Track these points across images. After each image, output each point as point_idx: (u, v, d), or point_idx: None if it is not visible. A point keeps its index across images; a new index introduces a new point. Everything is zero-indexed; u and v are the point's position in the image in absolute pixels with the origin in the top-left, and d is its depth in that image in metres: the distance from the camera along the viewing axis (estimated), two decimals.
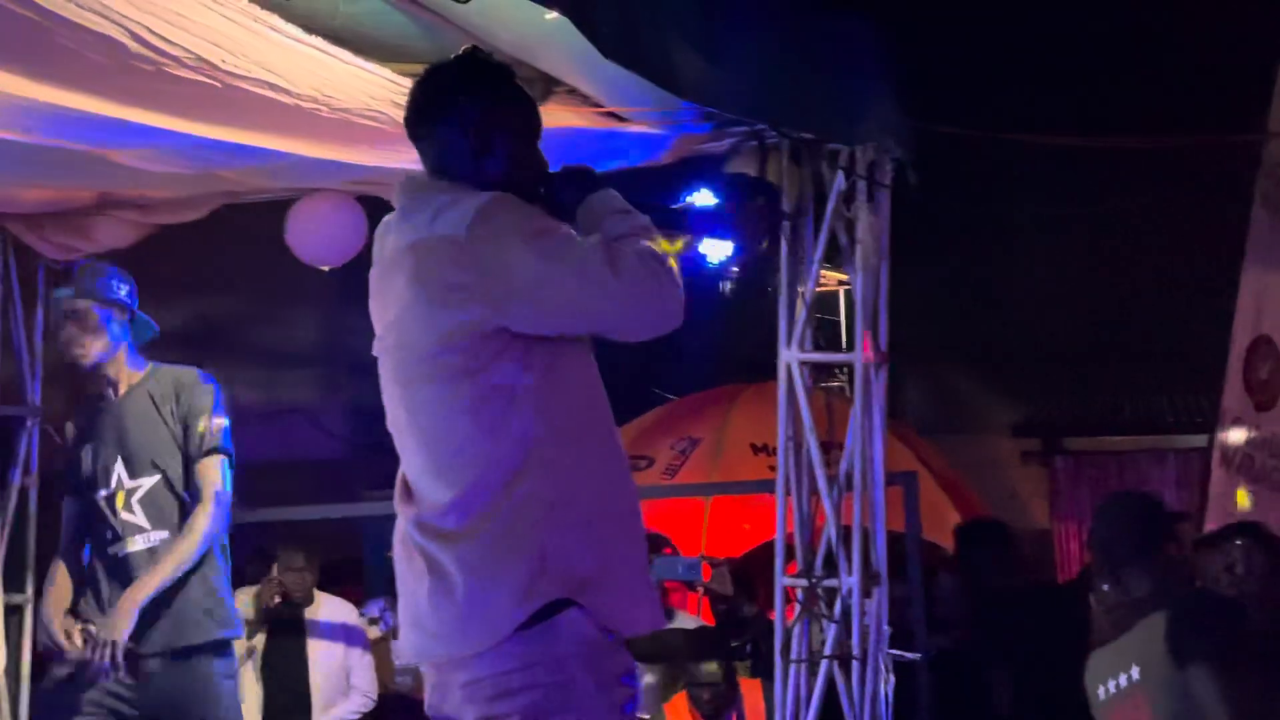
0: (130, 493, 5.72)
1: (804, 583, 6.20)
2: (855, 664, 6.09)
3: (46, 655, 5.89)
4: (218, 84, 4.48)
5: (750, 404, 10.13)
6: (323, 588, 10.36)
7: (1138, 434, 14.73)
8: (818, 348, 6.50)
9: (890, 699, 6.16)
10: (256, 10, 4.26)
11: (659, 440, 10.35)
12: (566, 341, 3.48)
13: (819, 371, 6.60)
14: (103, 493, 5.76)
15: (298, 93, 4.74)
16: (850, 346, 6.76)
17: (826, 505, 6.15)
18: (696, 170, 6.29)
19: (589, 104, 5.72)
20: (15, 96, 4.55)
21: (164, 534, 5.67)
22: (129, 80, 4.35)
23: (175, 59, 4.28)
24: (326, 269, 6.85)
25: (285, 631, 7.74)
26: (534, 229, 3.38)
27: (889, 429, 9.91)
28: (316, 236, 6.78)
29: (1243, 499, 8.70)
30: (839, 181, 6.11)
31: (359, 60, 4.84)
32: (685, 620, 7.83)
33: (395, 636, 8.03)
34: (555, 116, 5.68)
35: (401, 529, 3.57)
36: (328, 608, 8.01)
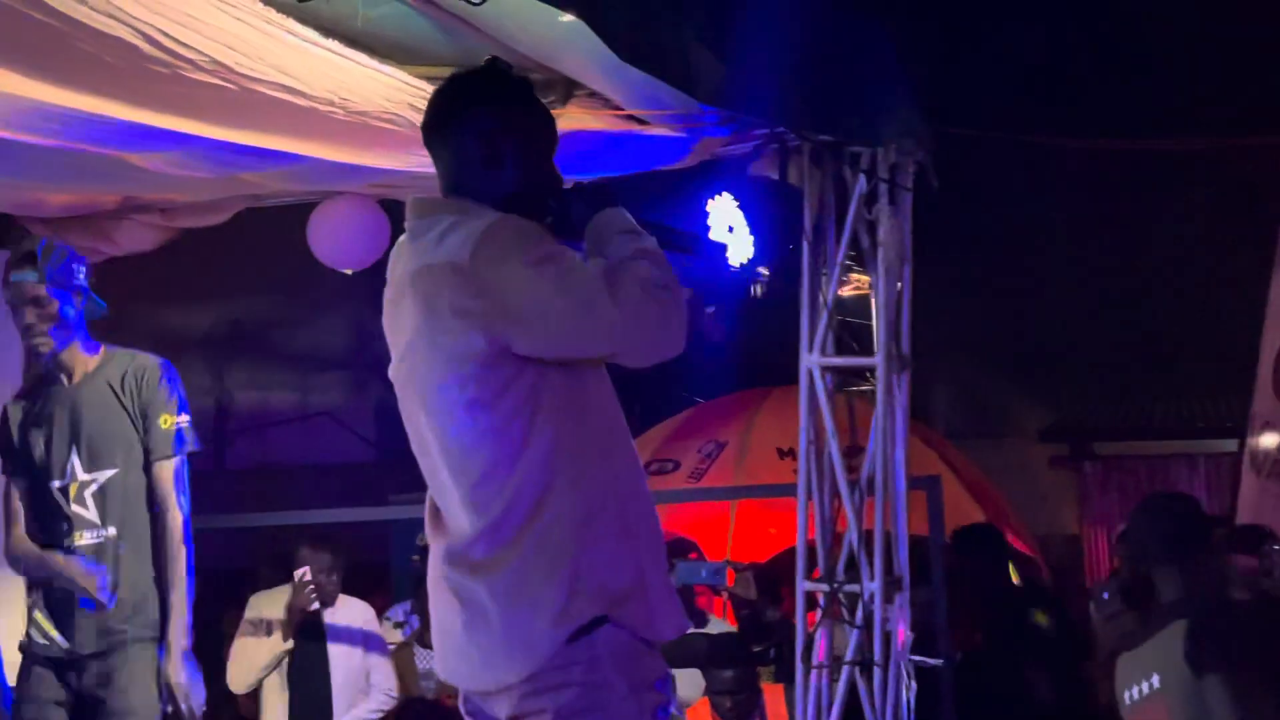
0: (84, 485, 5.60)
1: (825, 588, 6.18)
2: (877, 670, 6.07)
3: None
4: (234, 87, 4.47)
5: (776, 407, 10.09)
6: (350, 591, 10.40)
7: (1168, 438, 14.66)
8: (850, 351, 6.46)
9: (912, 705, 6.13)
10: (271, 13, 4.25)
11: (685, 444, 10.34)
12: (579, 363, 3.47)
13: (849, 376, 6.57)
14: (56, 483, 5.64)
15: (314, 95, 4.73)
16: None
17: (848, 510, 6.13)
18: (718, 173, 6.27)
19: (609, 107, 5.70)
20: (38, 101, 4.55)
21: (112, 530, 5.59)
22: (145, 84, 4.34)
23: (190, 62, 4.27)
24: (349, 272, 6.86)
25: (308, 634, 7.74)
26: (535, 256, 3.37)
27: (915, 433, 9.94)
28: (338, 240, 6.79)
29: None
30: (860, 184, 6.09)
31: (375, 63, 4.84)
32: (716, 625, 7.80)
33: (420, 641, 8.05)
34: (576, 120, 5.68)
35: (433, 562, 3.58)
36: (345, 608, 8.02)
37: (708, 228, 6.17)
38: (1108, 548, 13.73)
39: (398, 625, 8.77)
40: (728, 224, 6.19)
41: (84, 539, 5.59)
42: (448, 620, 3.54)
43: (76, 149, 5.47)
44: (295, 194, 6.89)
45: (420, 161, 5.66)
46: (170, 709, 5.61)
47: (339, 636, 7.86)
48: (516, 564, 3.40)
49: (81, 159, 5.63)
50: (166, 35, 4.11)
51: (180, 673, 5.61)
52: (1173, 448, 14.55)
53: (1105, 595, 5.83)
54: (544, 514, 3.39)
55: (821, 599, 6.23)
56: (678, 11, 4.96)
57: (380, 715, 7.95)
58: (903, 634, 6.13)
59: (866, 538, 6.14)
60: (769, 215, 6.25)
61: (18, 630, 5.89)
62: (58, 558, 5.62)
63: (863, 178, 6.08)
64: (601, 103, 5.69)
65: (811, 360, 6.25)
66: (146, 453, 5.65)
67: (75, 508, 5.60)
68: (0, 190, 6.54)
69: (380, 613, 9.15)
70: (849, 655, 6.12)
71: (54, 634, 5.66)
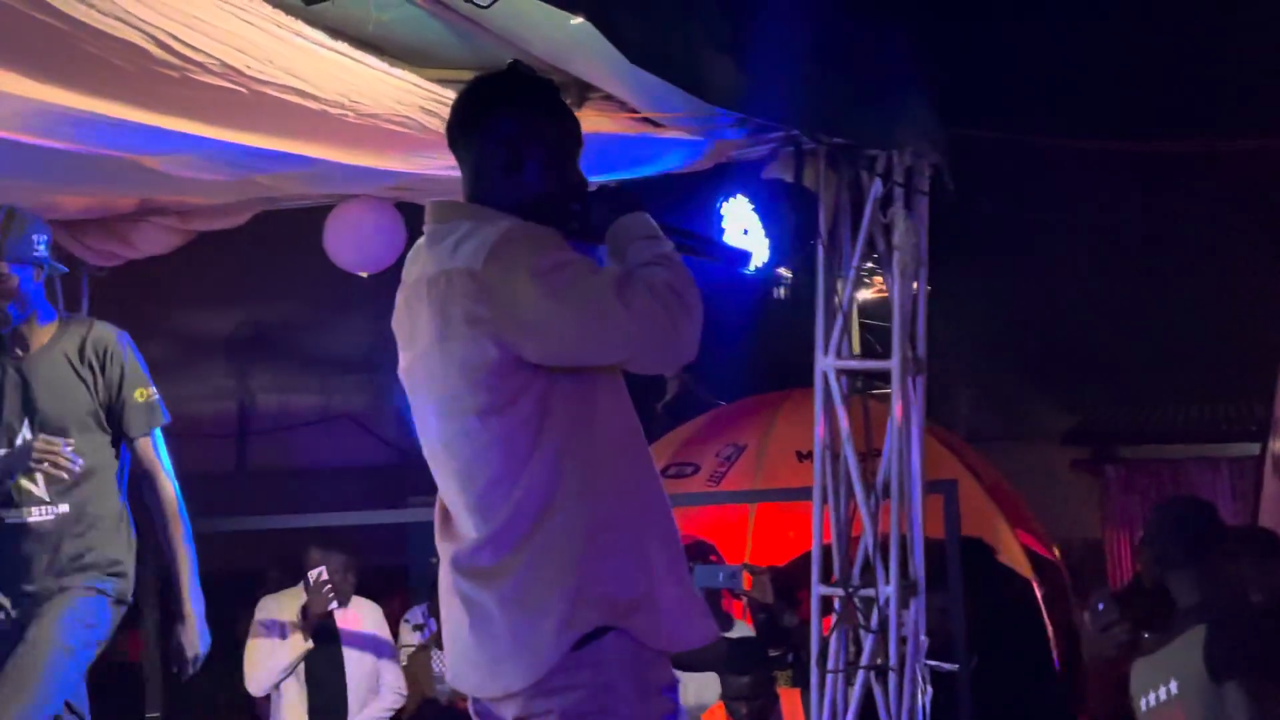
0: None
1: (840, 592, 6.17)
2: (892, 675, 6.05)
3: None
4: (244, 90, 4.48)
5: (796, 410, 10.04)
6: (370, 594, 10.41)
7: (1190, 442, 14.59)
8: (875, 354, 6.45)
9: (928, 710, 6.12)
10: (280, 16, 4.25)
11: (704, 447, 10.28)
12: (590, 370, 3.46)
13: (871, 379, 6.55)
14: (3, 454, 5.43)
15: (325, 98, 4.73)
16: None
17: (864, 514, 6.11)
18: (732, 176, 6.27)
19: (624, 110, 5.70)
20: (50, 104, 4.56)
21: (64, 508, 5.39)
22: (155, 86, 4.35)
23: (200, 65, 4.27)
24: (365, 275, 6.86)
25: (322, 635, 7.76)
26: (547, 264, 3.35)
27: (935, 436, 9.92)
28: (354, 242, 6.80)
29: None
30: (876, 187, 6.07)
31: (385, 65, 4.83)
32: (739, 629, 7.79)
33: (437, 643, 8.05)
34: (591, 122, 5.65)
35: (443, 568, 3.57)
36: (356, 609, 8.05)
37: (722, 230, 6.16)
38: (1129, 551, 13.68)
39: (416, 627, 8.79)
40: (742, 227, 6.18)
41: (32, 515, 5.40)
42: (456, 626, 3.54)
43: (92, 152, 5.50)
44: (311, 197, 6.91)
45: (434, 164, 5.69)
46: (176, 669, 5.59)
47: (351, 637, 7.89)
48: (522, 572, 3.39)
49: (98, 162, 5.65)
50: (175, 38, 4.12)
51: (197, 642, 5.58)
52: (1195, 451, 14.47)
53: (1100, 606, 5.81)
54: (550, 522, 3.38)
55: (837, 603, 6.21)
56: (688, 14, 4.94)
57: (391, 715, 7.99)
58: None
59: (882, 542, 6.12)
60: (784, 218, 6.24)
61: None
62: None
63: (878, 181, 6.07)
64: (617, 105, 5.69)
65: (827, 363, 6.24)
66: (124, 428, 5.51)
67: (24, 483, 5.39)
68: (17, 193, 6.55)
69: (399, 615, 9.18)
70: (864, 660, 6.10)
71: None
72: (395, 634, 8.96)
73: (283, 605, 7.76)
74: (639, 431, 3.57)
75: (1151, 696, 5.25)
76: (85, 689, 5.62)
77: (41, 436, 5.39)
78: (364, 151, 5.51)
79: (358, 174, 6.09)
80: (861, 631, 6.15)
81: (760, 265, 6.20)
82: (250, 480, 14.10)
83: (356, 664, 7.84)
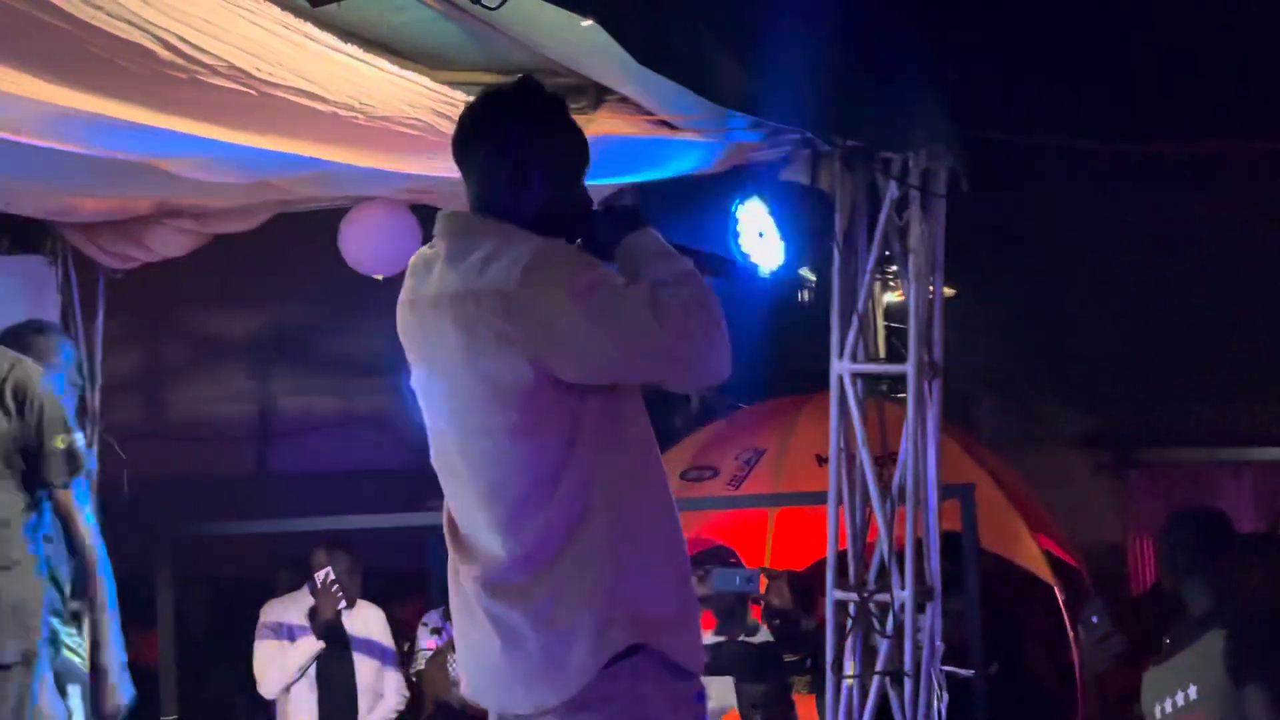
0: None
1: (855, 597, 6.14)
2: (907, 680, 6.02)
3: None
4: (253, 92, 4.47)
5: (816, 414, 10.01)
6: (388, 597, 10.43)
7: (1213, 446, 14.51)
8: (898, 358, 6.40)
9: (944, 716, 6.09)
10: (289, 18, 4.25)
11: (724, 450, 10.26)
12: (617, 389, 3.44)
13: (896, 383, 6.52)
14: None
15: (335, 101, 4.73)
16: None
17: (879, 518, 6.09)
18: (748, 179, 6.25)
19: (640, 112, 5.69)
20: (59, 106, 4.56)
21: None
22: (163, 88, 4.34)
23: (208, 67, 4.27)
24: (380, 277, 6.85)
25: (331, 636, 7.79)
26: (583, 284, 3.31)
27: (955, 440, 9.89)
28: (369, 245, 6.81)
29: None
30: (891, 190, 6.05)
31: (396, 68, 4.83)
32: (765, 635, 7.78)
33: (452, 648, 8.06)
34: (606, 124, 5.66)
35: (462, 585, 3.53)
36: (361, 612, 8.07)
37: (737, 234, 6.14)
38: (1152, 556, 13.61)
39: (434, 631, 8.81)
40: (758, 229, 6.15)
41: None
42: (483, 645, 3.49)
43: (105, 155, 5.51)
44: (326, 199, 6.91)
45: (447, 167, 5.66)
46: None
47: (358, 639, 7.92)
48: (554, 590, 3.37)
49: (113, 165, 5.66)
50: (183, 40, 4.11)
51: (116, 695, 5.28)
52: (1218, 455, 14.39)
53: (1094, 619, 5.80)
54: (582, 541, 3.36)
55: (852, 608, 6.18)
56: (698, 16, 4.92)
57: (396, 715, 8.04)
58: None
59: (898, 546, 6.10)
60: (800, 221, 6.22)
61: None
62: None
63: (894, 184, 6.04)
64: (633, 108, 5.68)
65: (842, 367, 6.22)
66: (43, 476, 5.12)
67: None
68: (33, 196, 6.59)
69: (416, 618, 9.21)
70: (880, 665, 6.07)
71: None
72: (412, 636, 8.99)
73: (289, 608, 7.79)
74: (657, 451, 3.56)
75: (1167, 703, 5.24)
76: None
77: None
78: (376, 154, 5.50)
79: (372, 176, 6.09)
80: (877, 637, 6.12)
81: (775, 269, 6.15)
82: (271, 483, 14.11)
83: (364, 667, 7.88)
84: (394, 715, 8.07)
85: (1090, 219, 12.65)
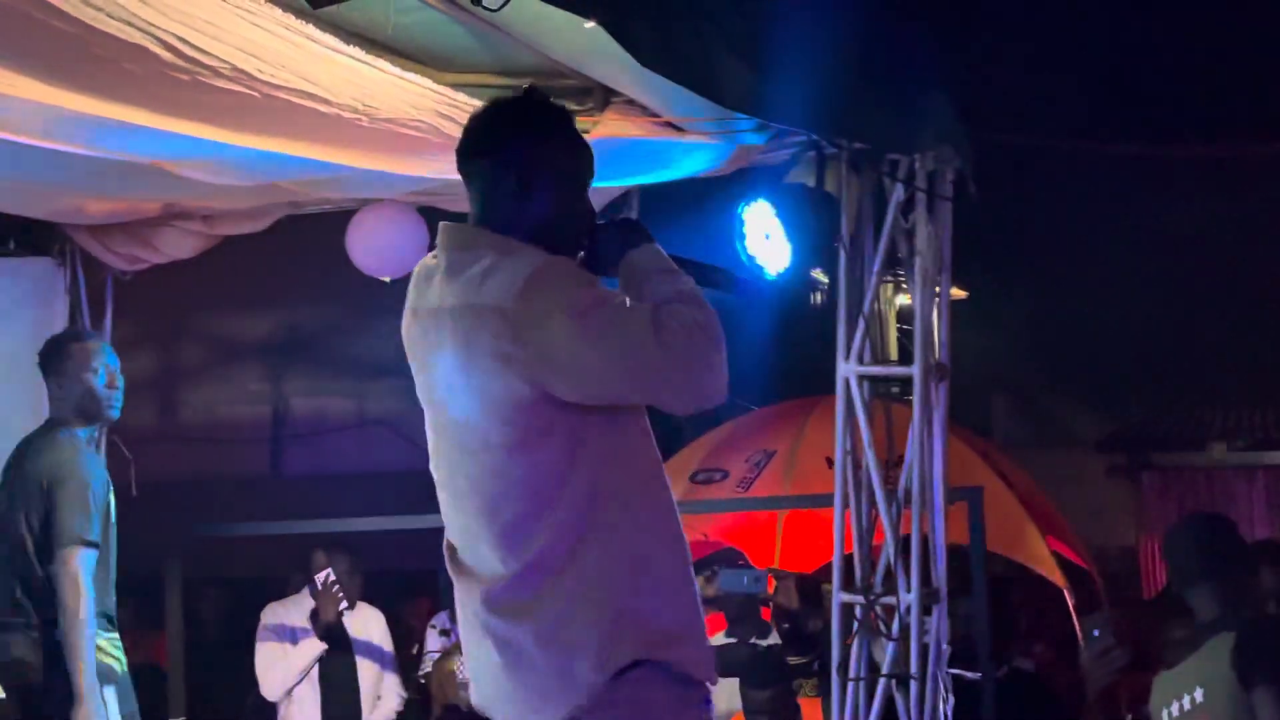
0: None
1: (861, 599, 6.13)
2: (913, 682, 6.01)
3: None
4: (256, 94, 4.47)
5: (827, 416, 10.01)
6: (398, 598, 10.43)
7: (1226, 449, 14.48)
8: (909, 360, 6.38)
9: (950, 718, 6.07)
10: (290, 19, 4.25)
11: (734, 453, 10.24)
12: (619, 406, 3.43)
13: (905, 385, 6.50)
14: None
15: (338, 103, 4.72)
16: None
17: (885, 521, 6.08)
18: (754, 180, 6.25)
19: (647, 114, 5.68)
20: (64, 109, 4.56)
21: None
22: (166, 90, 4.34)
23: (211, 69, 4.27)
24: (387, 279, 6.85)
25: (334, 638, 7.80)
26: (582, 305, 3.30)
27: (967, 443, 9.87)
28: (376, 247, 6.80)
29: None
30: (898, 192, 6.04)
31: (399, 70, 4.83)
32: (776, 639, 7.77)
33: (459, 650, 8.07)
34: (613, 127, 5.66)
35: (464, 603, 3.52)
36: (361, 613, 8.09)
37: (744, 236, 6.13)
38: (1162, 559, 13.61)
39: (443, 632, 8.83)
40: (764, 231, 6.15)
41: None
42: (486, 662, 3.49)
43: (111, 157, 5.52)
44: (334, 201, 6.91)
45: (451, 169, 5.67)
46: None
47: (359, 641, 7.95)
48: (557, 608, 3.36)
49: (120, 166, 5.67)
50: (185, 42, 4.11)
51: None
52: (1231, 459, 14.38)
53: (1095, 633, 5.77)
54: (583, 557, 3.35)
55: (858, 610, 6.17)
56: (703, 18, 4.91)
57: (396, 715, 8.07)
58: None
59: (904, 549, 6.08)
60: (807, 223, 6.21)
61: None
62: None
63: (900, 186, 6.03)
64: (639, 110, 5.68)
65: (848, 369, 6.22)
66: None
67: None
68: (41, 198, 6.60)
69: (426, 619, 9.22)
70: (885, 668, 6.06)
71: None
72: (421, 638, 9.01)
73: (289, 610, 7.80)
74: (660, 464, 3.55)
75: (1175, 706, 5.22)
76: None
77: None
78: (379, 156, 5.50)
79: (379, 178, 6.09)
80: (883, 639, 6.11)
81: (781, 271, 6.15)
82: (284, 485, 14.11)
83: (365, 669, 7.90)
84: (393, 717, 8.09)
85: (1105, 223, 12.65)
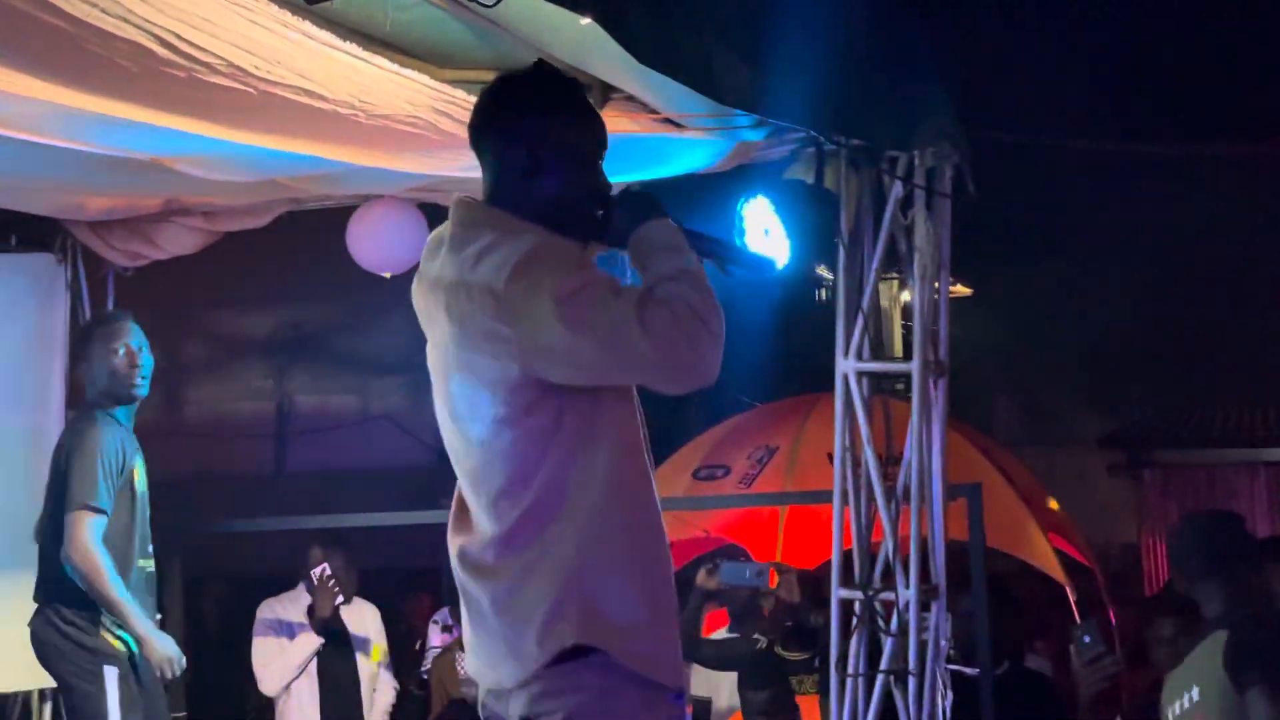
0: None
1: (860, 595, 6.13)
2: (912, 679, 6.00)
3: None
4: (252, 90, 4.48)
5: (828, 412, 10.01)
6: (400, 594, 10.44)
7: (1228, 446, 14.46)
8: (912, 356, 6.35)
9: (948, 715, 6.07)
10: (287, 16, 4.24)
11: (736, 449, 10.23)
12: (606, 388, 3.45)
13: (908, 381, 6.48)
14: None
15: (334, 99, 4.73)
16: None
17: (884, 517, 6.08)
18: (754, 177, 6.24)
19: (646, 110, 5.68)
20: (59, 105, 4.58)
21: None
22: (162, 86, 4.35)
23: (207, 65, 4.27)
24: (388, 275, 6.87)
25: (332, 633, 7.82)
26: (567, 289, 3.30)
27: (969, 440, 9.86)
28: (376, 243, 6.81)
29: None
30: (897, 189, 6.03)
31: (396, 67, 4.82)
32: (777, 636, 7.77)
33: (460, 645, 8.08)
34: (612, 123, 5.61)
35: (451, 561, 3.59)
36: (358, 609, 8.11)
37: (743, 232, 6.13)
38: (1166, 556, 13.59)
39: (445, 628, 8.84)
40: (763, 227, 6.14)
41: None
42: (464, 619, 3.58)
43: (111, 153, 5.53)
44: (334, 198, 6.92)
45: (448, 165, 5.69)
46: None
47: (357, 636, 7.97)
48: (516, 576, 3.41)
49: (122, 163, 5.68)
50: (180, 38, 4.12)
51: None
52: (1233, 456, 14.34)
53: (1086, 639, 5.75)
54: (550, 535, 3.38)
55: (857, 606, 6.17)
56: (701, 14, 4.91)
57: (391, 708, 8.11)
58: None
59: (902, 545, 6.08)
60: (806, 219, 6.21)
61: None
62: None
63: (899, 182, 6.02)
64: (638, 106, 5.67)
65: (847, 365, 6.21)
66: None
67: None
68: (42, 193, 6.61)
69: (428, 615, 9.23)
70: (884, 664, 6.06)
71: None
72: (423, 634, 9.02)
73: (286, 606, 7.82)
74: (645, 457, 3.56)
75: (1177, 705, 5.21)
76: None
77: None
78: (377, 152, 5.50)
79: (379, 174, 6.10)
80: (881, 635, 6.11)
81: (781, 267, 6.14)
82: (289, 481, 14.14)
83: (363, 664, 7.92)
84: (387, 714, 8.12)
85: (1108, 221, 12.65)
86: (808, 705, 7.33)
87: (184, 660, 6.29)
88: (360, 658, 7.98)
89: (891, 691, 6.08)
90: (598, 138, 3.61)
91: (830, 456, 9.80)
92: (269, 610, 7.84)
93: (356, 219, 6.89)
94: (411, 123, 5.04)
